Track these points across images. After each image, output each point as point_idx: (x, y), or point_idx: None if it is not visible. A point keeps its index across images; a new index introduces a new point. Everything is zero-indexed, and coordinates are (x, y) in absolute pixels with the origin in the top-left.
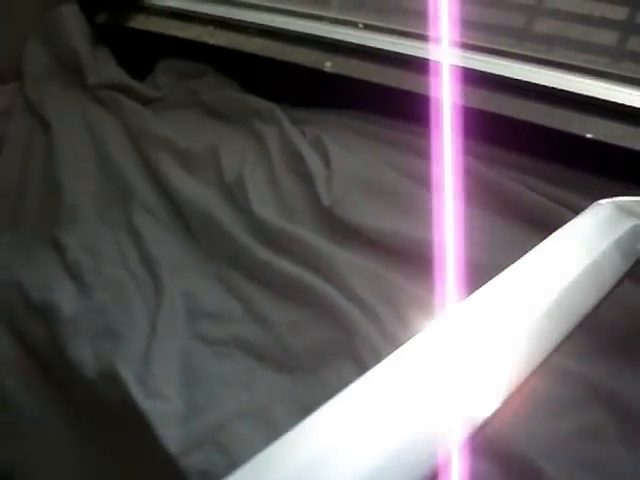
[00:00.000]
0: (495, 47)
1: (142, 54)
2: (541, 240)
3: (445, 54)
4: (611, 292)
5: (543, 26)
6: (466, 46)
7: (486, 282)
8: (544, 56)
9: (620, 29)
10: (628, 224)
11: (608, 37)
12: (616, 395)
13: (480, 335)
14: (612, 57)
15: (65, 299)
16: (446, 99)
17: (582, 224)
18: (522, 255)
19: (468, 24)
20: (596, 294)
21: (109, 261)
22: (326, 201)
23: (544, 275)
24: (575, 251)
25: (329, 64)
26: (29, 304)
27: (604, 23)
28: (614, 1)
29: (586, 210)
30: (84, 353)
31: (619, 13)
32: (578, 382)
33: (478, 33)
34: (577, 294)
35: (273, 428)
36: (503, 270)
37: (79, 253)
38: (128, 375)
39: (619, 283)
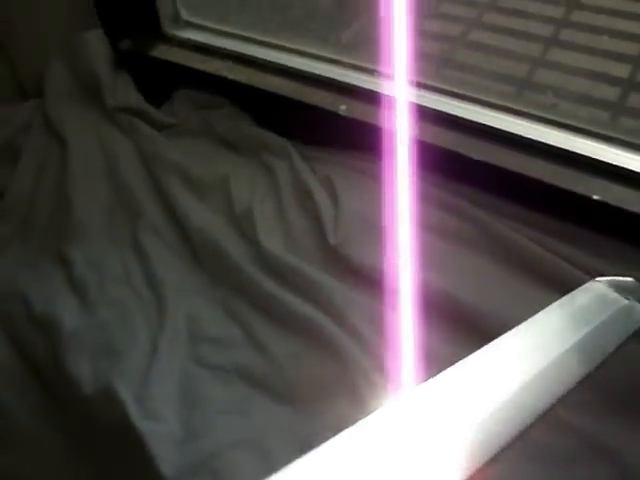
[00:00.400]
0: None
1: (161, 82)
2: (538, 290)
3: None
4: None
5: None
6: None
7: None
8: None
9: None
10: (622, 302)
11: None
12: (616, 452)
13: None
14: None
15: (67, 313)
16: (459, 153)
17: (574, 301)
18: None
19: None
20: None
21: (114, 279)
22: (332, 239)
23: (521, 356)
24: (561, 331)
25: (344, 107)
26: (31, 316)
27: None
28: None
29: (582, 287)
30: (83, 369)
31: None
32: (578, 436)
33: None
34: (547, 381)
35: (268, 459)
36: (502, 318)
37: (85, 269)
38: (126, 394)
39: (602, 363)
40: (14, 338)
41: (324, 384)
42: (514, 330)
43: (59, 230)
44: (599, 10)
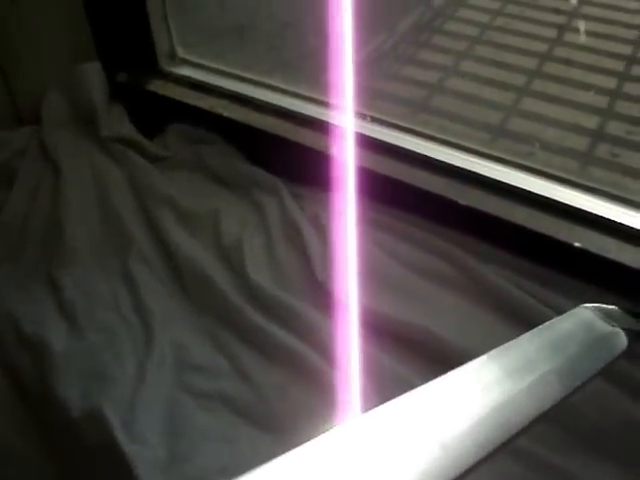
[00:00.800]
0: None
1: (154, 116)
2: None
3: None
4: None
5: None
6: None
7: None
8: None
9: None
10: (607, 329)
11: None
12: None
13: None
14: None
15: (56, 336)
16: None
17: (559, 324)
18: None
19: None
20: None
21: (103, 305)
22: (320, 276)
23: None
24: (540, 354)
25: (337, 149)
26: (20, 337)
27: None
28: None
29: (568, 312)
30: (71, 392)
31: None
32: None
33: None
34: (522, 404)
35: None
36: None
37: (74, 294)
38: (113, 418)
39: (581, 387)
40: (2, 359)
41: (308, 415)
42: (492, 352)
43: (50, 255)
44: (570, 63)
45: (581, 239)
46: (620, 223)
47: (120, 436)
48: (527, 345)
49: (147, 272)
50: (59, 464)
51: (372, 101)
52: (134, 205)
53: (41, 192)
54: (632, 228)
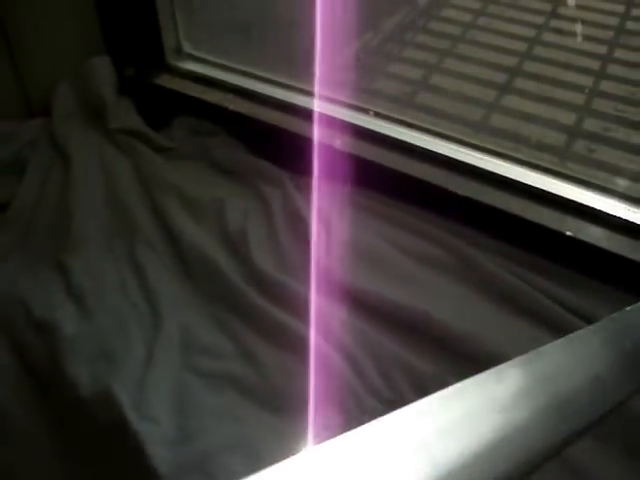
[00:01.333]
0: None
1: (162, 109)
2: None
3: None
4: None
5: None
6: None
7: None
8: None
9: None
10: None
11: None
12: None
13: None
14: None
15: (66, 319)
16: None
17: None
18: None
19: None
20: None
21: (111, 289)
22: (323, 262)
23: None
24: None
25: (339, 142)
26: (30, 320)
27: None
28: None
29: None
30: (81, 372)
31: None
32: None
33: None
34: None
35: (258, 461)
36: (480, 340)
37: (83, 278)
38: (123, 397)
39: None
40: (14, 341)
41: (311, 395)
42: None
43: (59, 241)
44: (548, 61)
45: (572, 228)
46: (607, 213)
47: (130, 414)
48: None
49: (153, 257)
50: (69, 443)
51: (362, 96)
52: (141, 193)
53: (51, 182)
54: (618, 218)
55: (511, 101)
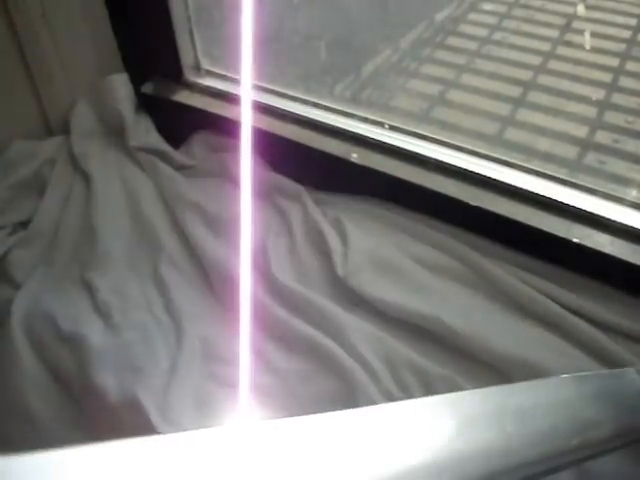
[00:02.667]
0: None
1: (180, 125)
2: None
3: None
4: None
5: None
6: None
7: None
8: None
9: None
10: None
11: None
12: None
13: None
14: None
15: (94, 333)
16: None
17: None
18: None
19: None
20: None
21: (136, 305)
22: (341, 272)
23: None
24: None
25: (355, 155)
26: (59, 335)
27: None
28: None
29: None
30: (109, 382)
31: None
32: None
33: None
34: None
35: None
36: (489, 345)
37: (109, 295)
38: (149, 404)
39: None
40: (44, 355)
41: (329, 400)
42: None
43: (83, 258)
44: (563, 75)
45: (578, 235)
46: (614, 220)
47: (156, 420)
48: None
49: (176, 274)
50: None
51: (380, 111)
52: (163, 211)
53: (72, 199)
54: (625, 225)
55: (525, 115)
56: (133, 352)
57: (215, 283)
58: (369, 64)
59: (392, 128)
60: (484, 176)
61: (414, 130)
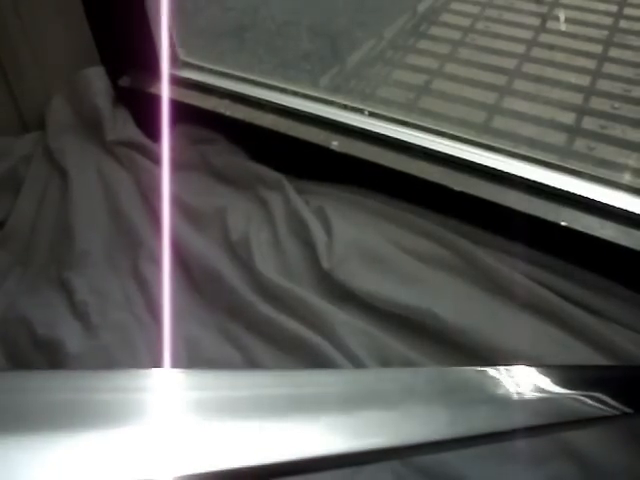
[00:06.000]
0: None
1: (158, 117)
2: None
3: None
4: None
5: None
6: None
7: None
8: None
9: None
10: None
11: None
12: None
13: None
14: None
15: (70, 337)
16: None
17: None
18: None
19: None
20: None
21: (115, 305)
22: (325, 264)
23: None
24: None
25: (336, 143)
26: (34, 340)
27: None
28: None
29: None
30: None
31: None
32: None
33: None
34: None
35: None
36: (481, 335)
37: (87, 295)
38: None
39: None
40: (18, 360)
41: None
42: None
43: (60, 258)
44: (546, 62)
45: (567, 219)
46: (602, 202)
47: None
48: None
49: (157, 270)
50: None
51: (365, 101)
52: (142, 206)
53: (48, 197)
54: (613, 207)
55: (511, 103)
56: (112, 354)
57: (198, 279)
58: (354, 54)
59: (372, 115)
60: (468, 161)
61: (394, 116)
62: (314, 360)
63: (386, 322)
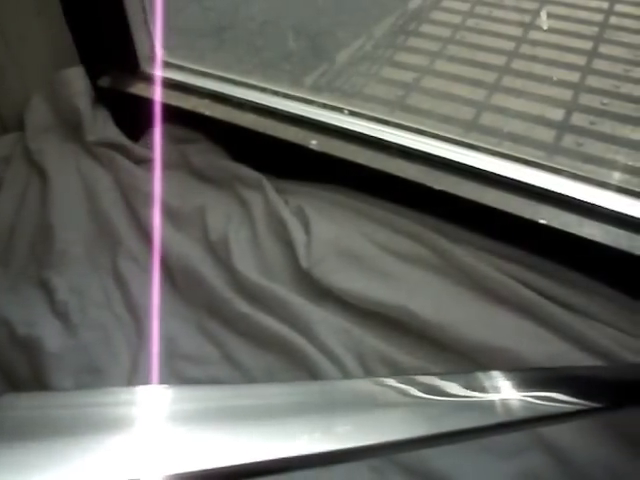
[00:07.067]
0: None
1: (138, 118)
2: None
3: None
4: None
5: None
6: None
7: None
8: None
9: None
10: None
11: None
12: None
13: None
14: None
15: (50, 336)
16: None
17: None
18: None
19: None
20: None
21: (95, 304)
22: (304, 263)
23: None
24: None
25: (315, 142)
26: (14, 338)
27: None
28: None
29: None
30: (66, 385)
31: None
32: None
33: None
34: None
35: None
36: (459, 332)
37: (67, 294)
38: None
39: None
40: None
41: None
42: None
43: (40, 257)
44: (535, 59)
45: (546, 216)
46: (581, 200)
47: None
48: None
49: (137, 270)
50: None
51: (351, 99)
52: (121, 206)
53: (28, 197)
54: (591, 204)
55: (500, 99)
56: (92, 353)
57: (177, 277)
58: (342, 53)
59: (352, 114)
60: (447, 159)
61: (374, 115)
62: (292, 358)
63: (364, 320)
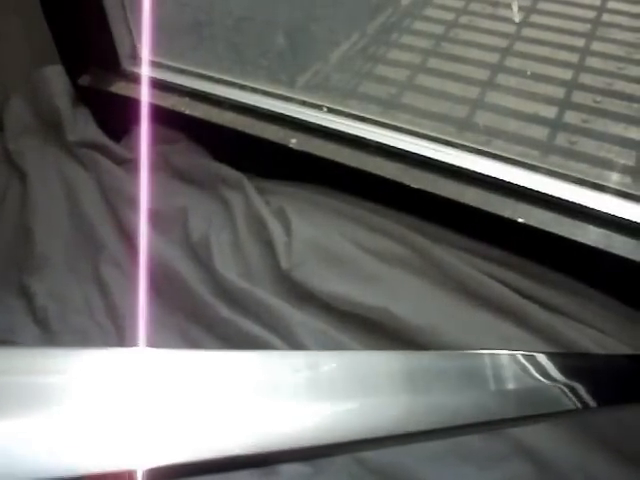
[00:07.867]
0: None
1: (119, 117)
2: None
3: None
4: None
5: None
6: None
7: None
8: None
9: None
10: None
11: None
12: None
13: None
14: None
15: (30, 343)
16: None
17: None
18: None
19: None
20: None
21: (76, 310)
22: (285, 265)
23: None
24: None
25: (294, 141)
26: None
27: None
28: None
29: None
30: None
31: None
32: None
33: None
34: None
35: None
36: (438, 333)
37: (47, 300)
38: None
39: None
40: None
41: None
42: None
43: (20, 262)
44: (528, 56)
45: (524, 215)
46: (559, 198)
47: None
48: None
49: (118, 274)
50: None
51: (344, 99)
52: (103, 208)
53: (7, 200)
54: (568, 202)
55: (493, 97)
56: None
57: (158, 282)
58: (335, 51)
59: (330, 111)
60: (425, 157)
61: (353, 112)
62: None
63: (344, 322)
